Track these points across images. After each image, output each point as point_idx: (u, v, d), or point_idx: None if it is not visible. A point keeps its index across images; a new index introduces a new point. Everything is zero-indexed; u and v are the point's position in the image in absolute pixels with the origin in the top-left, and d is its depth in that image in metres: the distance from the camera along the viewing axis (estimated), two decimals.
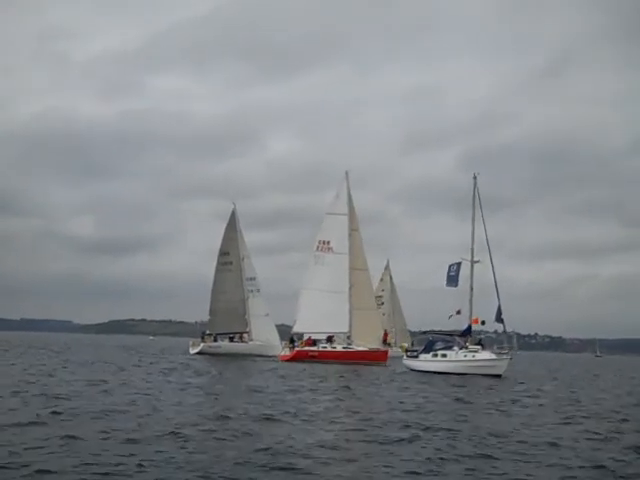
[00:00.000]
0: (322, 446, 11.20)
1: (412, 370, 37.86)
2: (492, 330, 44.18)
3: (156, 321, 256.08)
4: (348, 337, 45.26)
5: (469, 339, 38.06)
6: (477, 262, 38.84)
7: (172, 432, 11.70)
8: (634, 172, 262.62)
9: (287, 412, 15.46)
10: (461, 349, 37.24)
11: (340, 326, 45.03)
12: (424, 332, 44.73)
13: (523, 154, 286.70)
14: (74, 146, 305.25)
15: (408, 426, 13.89)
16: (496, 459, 10.65)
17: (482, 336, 41.44)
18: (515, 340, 41.69)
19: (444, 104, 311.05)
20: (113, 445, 10.45)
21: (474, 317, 38.38)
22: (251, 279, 55.59)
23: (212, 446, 10.85)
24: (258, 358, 46.84)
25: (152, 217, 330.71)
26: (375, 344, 45.01)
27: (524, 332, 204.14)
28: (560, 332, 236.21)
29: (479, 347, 37.24)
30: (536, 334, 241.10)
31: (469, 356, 36.60)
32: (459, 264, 39.49)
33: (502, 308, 38.11)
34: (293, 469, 9.43)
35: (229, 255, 55.32)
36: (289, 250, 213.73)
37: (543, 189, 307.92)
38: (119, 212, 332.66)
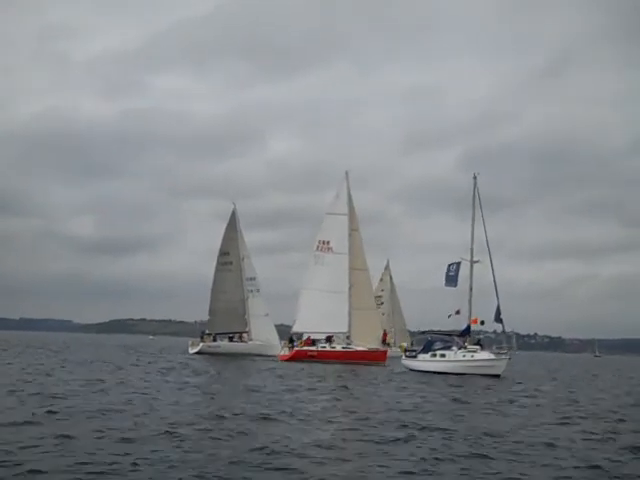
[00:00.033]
0: (318, 446, 11.19)
1: (411, 370, 37.85)
2: (491, 330, 44.16)
3: (156, 321, 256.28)
4: (347, 337, 45.27)
5: (468, 339, 38.06)
6: (477, 262, 38.82)
7: (167, 431, 11.69)
8: (634, 172, 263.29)
9: (284, 412, 15.44)
10: (460, 349, 37.23)
11: (339, 326, 45.04)
12: (423, 332, 44.74)
13: (523, 154, 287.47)
14: (74, 146, 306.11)
15: (405, 426, 13.88)
16: (491, 459, 10.64)
17: (481, 336, 41.42)
18: (514, 340, 41.62)
19: (444, 104, 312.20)
20: (108, 444, 10.43)
21: (473, 317, 38.37)
22: (251, 279, 55.62)
23: (207, 445, 10.83)
24: (257, 358, 46.85)
25: (152, 217, 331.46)
26: (374, 344, 45.03)
27: (523, 332, 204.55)
28: (560, 332, 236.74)
29: (478, 347, 37.23)
30: (535, 334, 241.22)
31: (468, 356, 36.59)
32: (458, 264, 39.49)
33: (501, 308, 38.12)
34: (288, 469, 9.42)
35: (229, 255, 55.35)
36: (289, 250, 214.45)
37: (543, 189, 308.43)
38: (119, 212, 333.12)
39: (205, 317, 56.08)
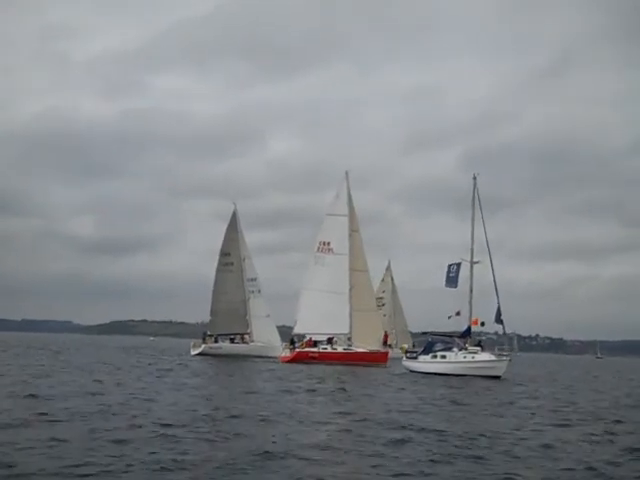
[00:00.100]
0: (315, 447, 11.16)
1: (411, 371, 37.76)
2: (492, 331, 44.14)
3: (157, 322, 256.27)
4: (349, 338, 45.21)
5: (469, 340, 37.97)
6: (477, 263, 38.70)
7: (163, 433, 11.65)
8: (634, 172, 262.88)
9: (282, 413, 15.40)
10: (460, 350, 37.15)
11: (340, 327, 45.01)
12: (424, 333, 44.64)
13: (523, 154, 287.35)
14: (74, 146, 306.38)
15: (403, 427, 13.84)
16: (487, 460, 10.59)
17: (482, 337, 41.36)
18: (515, 341, 41.65)
19: (444, 104, 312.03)
20: (103, 446, 10.39)
21: (474, 318, 38.23)
22: (252, 280, 55.59)
23: (203, 447, 10.79)
24: (258, 359, 46.81)
25: (152, 217, 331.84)
26: (375, 345, 45.04)
27: (525, 333, 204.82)
28: (561, 333, 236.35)
29: (478, 348, 37.13)
30: (537, 335, 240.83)
31: (468, 357, 36.49)
32: (458, 265, 39.38)
33: (502, 309, 38.03)
34: (285, 469, 9.38)
35: (230, 256, 55.33)
36: (289, 250, 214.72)
37: (543, 189, 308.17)
38: (119, 212, 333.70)
39: (206, 318, 56.17)
